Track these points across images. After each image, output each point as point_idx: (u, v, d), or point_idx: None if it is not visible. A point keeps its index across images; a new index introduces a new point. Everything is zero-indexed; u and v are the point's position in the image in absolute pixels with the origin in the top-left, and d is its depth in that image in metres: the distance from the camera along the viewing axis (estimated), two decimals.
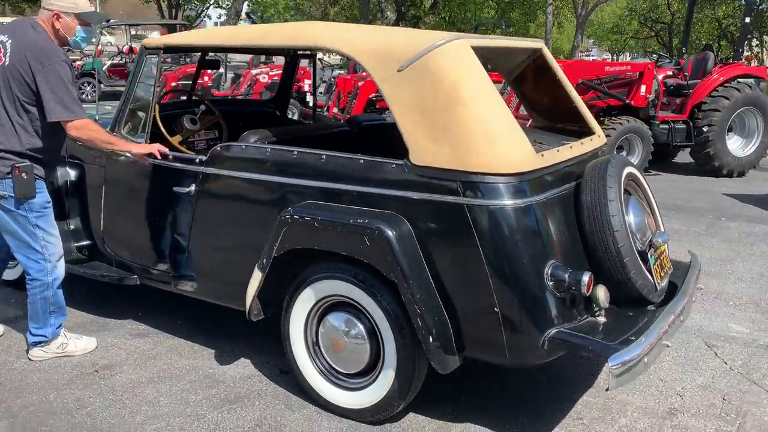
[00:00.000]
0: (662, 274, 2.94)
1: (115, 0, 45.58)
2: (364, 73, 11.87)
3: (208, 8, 25.43)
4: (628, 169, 2.98)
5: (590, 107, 9.10)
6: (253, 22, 15.13)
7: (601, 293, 2.64)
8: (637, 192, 3.11)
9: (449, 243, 2.63)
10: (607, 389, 2.37)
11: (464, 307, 2.64)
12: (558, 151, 2.86)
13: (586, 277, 2.51)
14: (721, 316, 4.29)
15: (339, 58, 21.46)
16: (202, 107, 4.17)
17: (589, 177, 2.85)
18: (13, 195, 3.17)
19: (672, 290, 3.03)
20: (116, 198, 3.74)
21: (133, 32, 19.89)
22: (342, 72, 13.08)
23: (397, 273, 2.60)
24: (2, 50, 3.15)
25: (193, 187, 3.31)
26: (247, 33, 3.43)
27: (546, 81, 3.56)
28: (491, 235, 2.55)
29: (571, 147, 2.98)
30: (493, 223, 2.55)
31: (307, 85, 12.63)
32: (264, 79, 12.49)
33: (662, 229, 3.14)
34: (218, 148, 3.24)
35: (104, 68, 16.53)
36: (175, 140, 3.76)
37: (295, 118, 12.58)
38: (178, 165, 3.38)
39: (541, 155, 2.73)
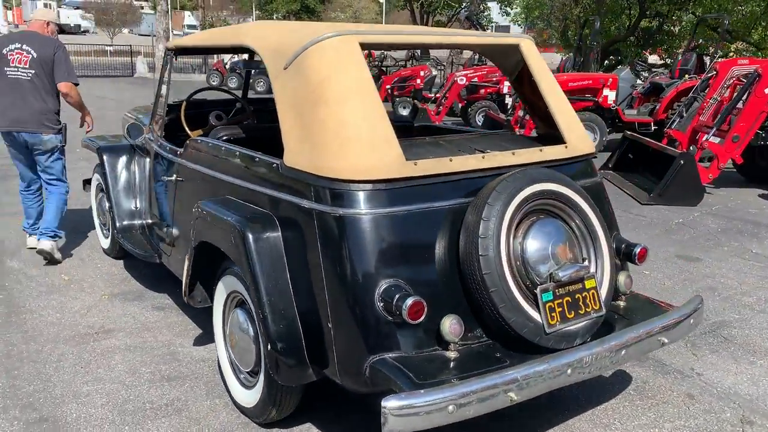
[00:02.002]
0: (571, 315, 2.42)
1: (364, 8, 47.42)
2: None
3: (458, 12, 26.06)
4: (542, 186, 2.50)
5: None
6: (472, 24, 15.13)
7: (447, 324, 2.29)
8: (569, 216, 2.59)
9: (304, 250, 2.51)
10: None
11: (314, 320, 2.49)
12: (451, 161, 2.52)
13: (410, 301, 2.20)
14: None
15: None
16: (238, 105, 4.43)
17: (480, 193, 2.47)
18: (63, 142, 4.80)
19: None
20: (153, 183, 4.19)
21: None
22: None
23: (247, 274, 2.56)
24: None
25: (174, 176, 3.58)
26: (210, 35, 3.63)
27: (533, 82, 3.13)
28: (330, 244, 2.38)
29: (483, 157, 2.60)
30: (332, 232, 2.37)
31: (506, 87, 12.36)
32: (462, 81, 12.52)
33: (585, 262, 2.56)
34: (188, 142, 3.46)
35: None
36: (195, 134, 4.06)
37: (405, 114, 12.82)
38: (170, 156, 3.69)
39: (414, 164, 2.44)
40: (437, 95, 13.22)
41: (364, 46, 2.61)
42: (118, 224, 4.54)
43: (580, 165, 2.93)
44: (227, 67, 23.84)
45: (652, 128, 10.10)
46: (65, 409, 3.04)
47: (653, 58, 21.51)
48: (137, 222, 4.57)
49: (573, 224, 2.58)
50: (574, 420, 3.01)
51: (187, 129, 4.06)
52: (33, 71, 4.60)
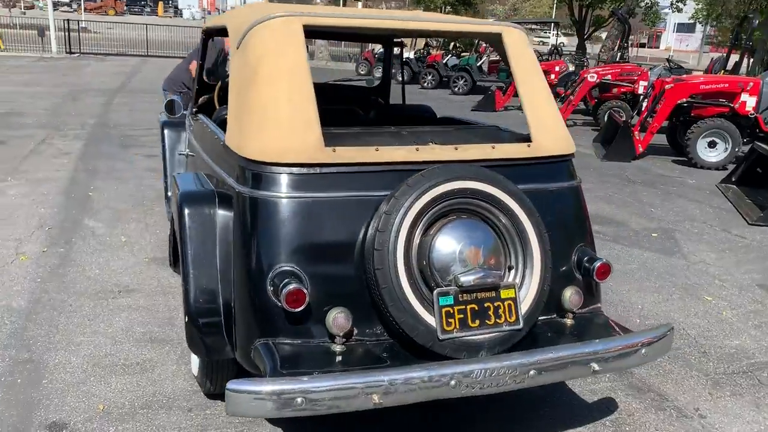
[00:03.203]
0: (474, 324, 2.23)
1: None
2: (684, 75, 10.27)
3: (620, 7, 24.51)
4: (464, 185, 2.31)
5: None
6: (620, 19, 14.18)
7: (331, 317, 2.21)
8: (498, 219, 2.36)
9: (229, 229, 2.53)
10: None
11: (230, 298, 2.51)
12: (377, 150, 2.40)
13: (290, 287, 2.15)
14: None
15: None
16: None
17: (396, 186, 2.34)
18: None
19: None
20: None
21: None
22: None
23: (179, 246, 2.63)
24: None
25: (187, 150, 3.77)
26: (220, 18, 3.73)
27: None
28: (241, 224, 2.40)
29: (417, 149, 2.45)
30: (243, 212, 2.38)
31: (642, 87, 11.51)
32: (593, 78, 11.81)
33: (511, 271, 2.32)
34: (194, 117, 3.61)
35: (479, 64, 17.68)
36: None
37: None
38: (188, 130, 3.87)
39: (333, 150, 2.36)
40: (567, 92, 12.61)
41: (308, 28, 2.57)
42: (169, 193, 4.85)
43: (547, 167, 2.66)
44: (376, 56, 24.33)
45: None
46: (52, 355, 3.32)
47: None
48: None
49: (501, 228, 2.37)
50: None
51: (217, 106, 4.23)
52: (190, 51, 6.86)
